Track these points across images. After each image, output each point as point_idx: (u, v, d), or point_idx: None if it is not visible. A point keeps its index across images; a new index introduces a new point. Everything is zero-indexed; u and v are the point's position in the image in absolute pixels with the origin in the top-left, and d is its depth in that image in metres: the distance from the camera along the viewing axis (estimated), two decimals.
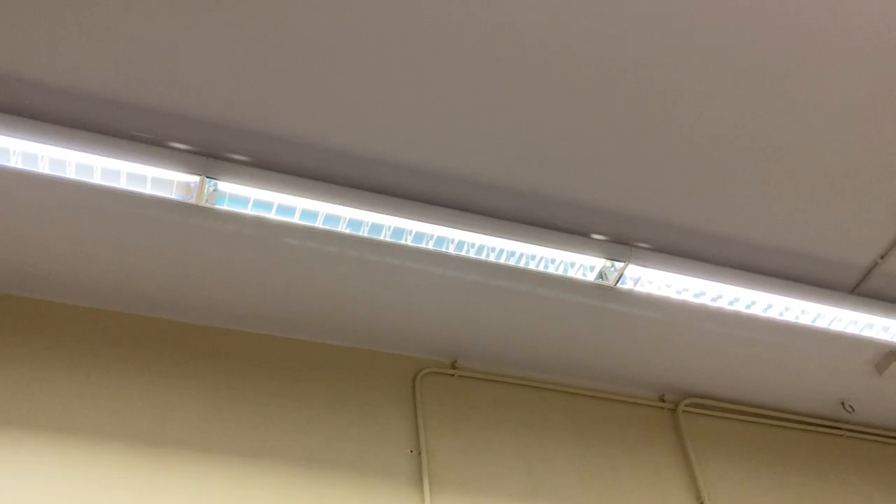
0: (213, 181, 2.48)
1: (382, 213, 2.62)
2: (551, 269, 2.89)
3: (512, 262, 2.84)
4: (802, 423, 3.87)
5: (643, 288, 2.97)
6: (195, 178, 2.47)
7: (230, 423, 2.89)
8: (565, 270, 2.90)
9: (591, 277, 2.92)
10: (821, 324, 3.17)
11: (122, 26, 2.24)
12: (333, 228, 2.67)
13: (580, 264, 2.88)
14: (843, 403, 3.85)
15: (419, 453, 3.05)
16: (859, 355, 3.51)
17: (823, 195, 2.89)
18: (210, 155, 2.51)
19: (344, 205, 2.58)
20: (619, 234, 2.91)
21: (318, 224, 2.64)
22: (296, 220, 2.63)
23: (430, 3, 2.26)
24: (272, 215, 2.61)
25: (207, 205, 2.54)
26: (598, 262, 2.87)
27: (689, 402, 3.71)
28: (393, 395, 3.23)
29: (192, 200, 2.53)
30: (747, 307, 3.08)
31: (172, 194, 2.52)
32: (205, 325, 3.15)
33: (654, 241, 2.95)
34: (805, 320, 3.15)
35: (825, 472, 3.74)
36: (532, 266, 2.86)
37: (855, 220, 3.00)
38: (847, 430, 3.94)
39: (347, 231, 2.68)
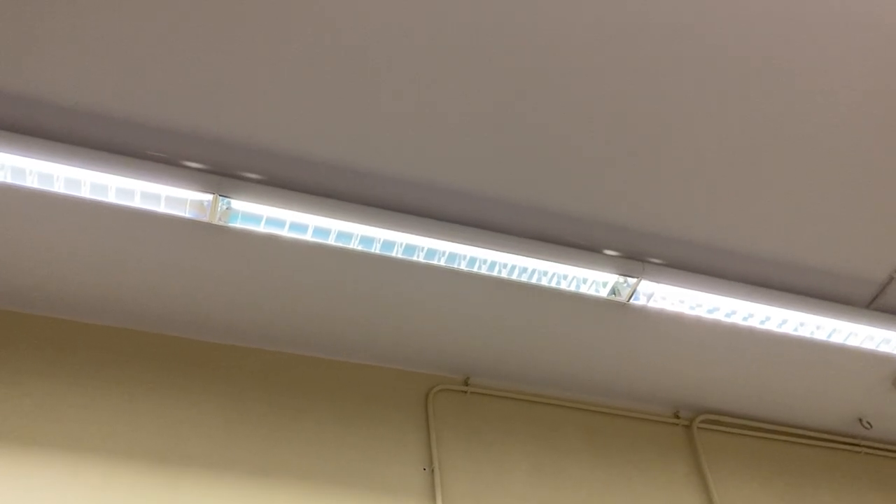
0: (227, 199, 2.49)
1: (394, 230, 2.63)
2: (564, 286, 2.88)
3: (524, 279, 2.84)
4: (819, 439, 3.83)
5: (656, 304, 2.95)
6: (208, 197, 2.48)
7: (243, 441, 2.89)
8: (578, 286, 2.89)
9: (603, 293, 2.91)
10: (836, 339, 3.15)
11: (135, 46, 2.26)
12: (346, 245, 2.67)
13: (593, 280, 2.87)
14: (860, 420, 3.80)
15: (432, 471, 3.04)
16: (876, 371, 3.47)
17: (838, 209, 2.88)
18: (223, 173, 2.52)
19: (356, 222, 2.59)
20: (631, 249, 2.90)
21: (331, 241, 2.65)
22: (308, 237, 2.64)
23: (442, 19, 2.28)
24: (285, 233, 2.62)
25: (221, 223, 2.56)
26: (611, 278, 2.86)
27: (705, 419, 3.68)
28: (406, 412, 3.22)
29: (206, 219, 2.54)
30: (762, 323, 3.06)
31: (186, 213, 2.54)
32: (218, 343, 3.16)
33: (667, 256, 2.94)
34: (820, 336, 3.13)
35: (843, 489, 3.70)
36: (544, 282, 2.86)
37: (870, 235, 2.98)
38: (865, 446, 3.89)
39: (359, 248, 2.68)
